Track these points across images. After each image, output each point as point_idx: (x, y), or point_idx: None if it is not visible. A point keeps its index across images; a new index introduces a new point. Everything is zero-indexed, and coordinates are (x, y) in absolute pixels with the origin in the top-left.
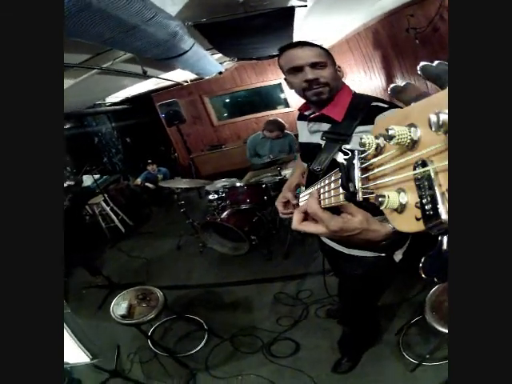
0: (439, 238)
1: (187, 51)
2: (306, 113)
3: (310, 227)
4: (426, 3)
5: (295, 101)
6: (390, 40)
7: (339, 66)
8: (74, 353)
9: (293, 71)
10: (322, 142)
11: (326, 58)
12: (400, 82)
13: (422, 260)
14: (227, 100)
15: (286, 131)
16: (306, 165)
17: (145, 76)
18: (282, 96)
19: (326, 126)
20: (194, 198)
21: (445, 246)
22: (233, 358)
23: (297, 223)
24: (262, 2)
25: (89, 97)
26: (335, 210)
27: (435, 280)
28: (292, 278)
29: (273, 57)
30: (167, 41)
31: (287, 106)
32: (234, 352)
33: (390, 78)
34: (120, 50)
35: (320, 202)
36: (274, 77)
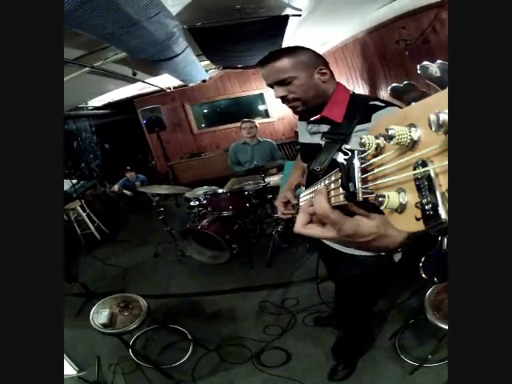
0: (439, 238)
1: (179, 54)
2: (301, 115)
3: (316, 230)
4: (420, 16)
5: (276, 111)
6: (377, 52)
7: (323, 67)
8: None
9: (269, 87)
10: (322, 142)
11: (297, 68)
12: (385, 93)
13: (422, 260)
14: (209, 108)
15: (265, 138)
16: (305, 165)
17: (134, 77)
18: (264, 106)
19: (325, 127)
20: (171, 206)
21: (445, 246)
22: (220, 368)
23: (300, 226)
24: (257, 10)
25: (74, 98)
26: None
27: (435, 280)
28: (276, 287)
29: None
30: (163, 41)
31: (268, 116)
32: (221, 363)
33: (374, 90)
34: (116, 47)
35: (330, 200)
36: (256, 86)
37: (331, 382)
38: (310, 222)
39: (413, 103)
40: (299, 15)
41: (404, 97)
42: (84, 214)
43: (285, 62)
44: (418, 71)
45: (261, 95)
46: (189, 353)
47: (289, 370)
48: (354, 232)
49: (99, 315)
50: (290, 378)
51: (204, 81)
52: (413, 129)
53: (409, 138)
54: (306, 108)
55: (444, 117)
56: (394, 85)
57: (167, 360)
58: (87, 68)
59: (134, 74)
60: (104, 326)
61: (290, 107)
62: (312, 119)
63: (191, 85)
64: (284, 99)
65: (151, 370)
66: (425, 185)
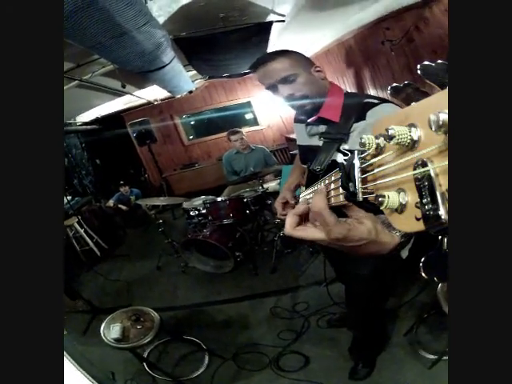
0: (439, 238)
1: (166, 65)
2: (303, 116)
3: (306, 232)
4: (403, 16)
5: (265, 119)
6: (362, 54)
7: (318, 66)
8: (78, 381)
9: (269, 89)
10: (321, 143)
11: (296, 66)
12: (372, 93)
13: (422, 259)
14: (197, 119)
15: (259, 145)
16: (304, 166)
17: (123, 90)
18: (252, 115)
19: (324, 128)
20: (168, 219)
21: (445, 246)
22: (240, 377)
23: (290, 228)
24: (241, 17)
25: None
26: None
27: (435, 280)
28: (284, 292)
29: (243, 74)
30: (151, 51)
31: (257, 124)
32: (239, 371)
33: (361, 91)
34: (105, 58)
35: (330, 200)
36: (243, 94)
37: (353, 382)
38: (300, 223)
39: (413, 103)
40: (283, 21)
41: (403, 96)
42: (82, 231)
43: (283, 61)
44: (418, 71)
45: (248, 103)
46: (205, 363)
47: (309, 373)
48: (343, 236)
49: (110, 330)
50: (311, 381)
51: (190, 91)
52: (413, 129)
53: (409, 138)
54: (314, 106)
55: (444, 117)
56: (394, 84)
57: (184, 372)
58: (76, 82)
59: (124, 86)
60: (117, 340)
61: (299, 107)
62: (310, 120)
63: (178, 96)
64: (290, 97)
65: (169, 383)
66: (425, 185)
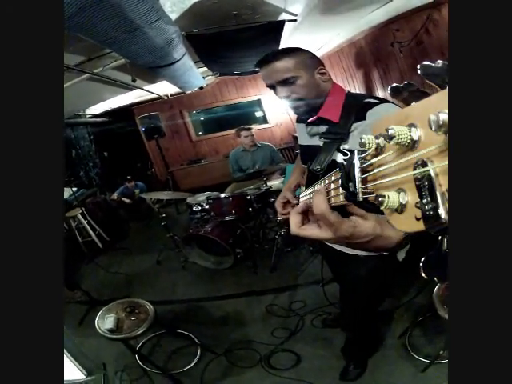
0: (439, 238)
1: (177, 61)
2: (304, 116)
3: (312, 231)
4: (413, 17)
5: (274, 117)
6: (372, 54)
7: (322, 68)
8: (66, 369)
9: (269, 88)
10: (322, 143)
11: (299, 68)
12: (381, 95)
13: (422, 260)
14: (207, 115)
15: (265, 142)
16: (305, 166)
17: (133, 83)
18: (261, 112)
19: (324, 128)
20: (171, 213)
21: (445, 246)
22: (230, 373)
23: (296, 227)
24: (253, 15)
25: (73, 105)
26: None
27: (435, 280)
28: (282, 290)
29: (254, 72)
30: (162, 47)
31: (266, 122)
32: (230, 367)
33: (370, 93)
34: (116, 53)
35: (330, 200)
36: (254, 92)
37: (343, 383)
38: (304, 221)
39: (413, 103)
40: (295, 20)
41: (403, 96)
42: (85, 222)
43: (287, 62)
44: (419, 71)
45: (258, 101)
46: (197, 357)
47: (299, 371)
48: (350, 234)
49: (105, 321)
50: (301, 380)
51: (201, 88)
52: (413, 129)
53: (409, 138)
54: (309, 108)
55: (444, 117)
56: (394, 85)
57: (175, 366)
58: (87, 75)
59: (134, 81)
60: (110, 331)
61: (294, 107)
62: (309, 120)
63: (188, 92)
64: (287, 99)
65: (159, 375)
66: (425, 185)
